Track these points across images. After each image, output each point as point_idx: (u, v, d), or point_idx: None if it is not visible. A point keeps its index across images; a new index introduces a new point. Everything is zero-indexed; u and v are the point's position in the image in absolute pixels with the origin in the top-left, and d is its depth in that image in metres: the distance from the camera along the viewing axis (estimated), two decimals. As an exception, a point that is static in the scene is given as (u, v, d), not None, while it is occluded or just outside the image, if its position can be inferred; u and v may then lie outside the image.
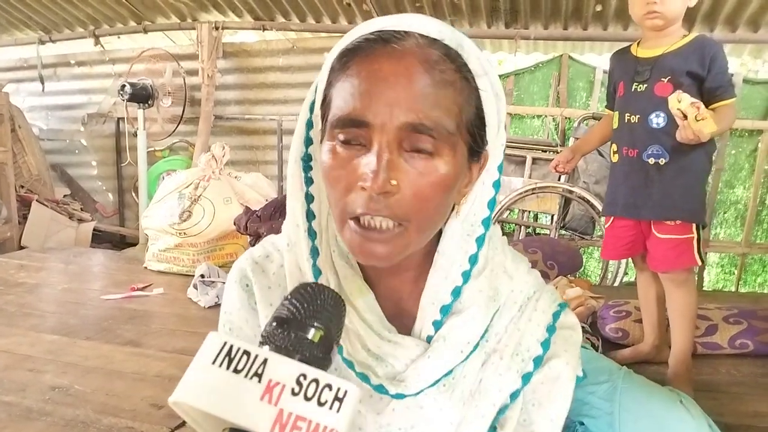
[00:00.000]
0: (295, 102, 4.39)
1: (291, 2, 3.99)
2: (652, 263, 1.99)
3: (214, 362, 0.46)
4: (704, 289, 3.83)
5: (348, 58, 0.64)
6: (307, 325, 0.52)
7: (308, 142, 0.72)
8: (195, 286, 2.97)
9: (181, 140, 4.73)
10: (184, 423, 1.74)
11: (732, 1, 3.28)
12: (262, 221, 2.96)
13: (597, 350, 2.05)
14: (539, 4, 3.57)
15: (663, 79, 1.84)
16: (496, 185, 0.73)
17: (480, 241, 0.72)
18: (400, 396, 0.70)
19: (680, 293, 1.94)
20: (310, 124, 0.72)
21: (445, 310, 0.71)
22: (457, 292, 0.71)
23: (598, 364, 1.46)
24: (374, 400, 0.71)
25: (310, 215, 0.74)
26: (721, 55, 1.83)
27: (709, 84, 1.81)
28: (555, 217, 3.72)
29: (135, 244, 4.59)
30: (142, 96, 4.28)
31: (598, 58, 3.96)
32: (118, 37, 4.71)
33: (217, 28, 4.26)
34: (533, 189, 3.67)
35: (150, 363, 2.21)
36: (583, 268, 3.83)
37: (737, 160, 3.73)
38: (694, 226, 1.89)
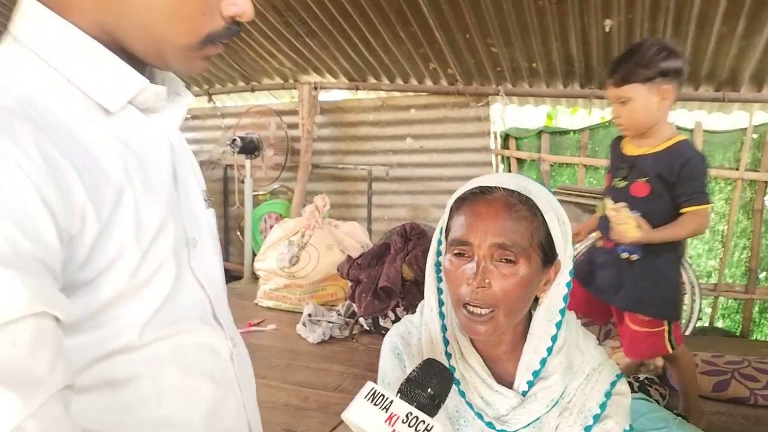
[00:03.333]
0: (382, 153, 4.83)
1: (382, 66, 4.45)
2: (626, 350, 2.13)
3: (365, 397, 0.82)
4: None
5: (460, 203, 1.02)
6: (424, 386, 0.87)
7: (439, 253, 1.09)
8: (304, 324, 3.42)
9: (281, 185, 5.27)
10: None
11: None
12: (361, 269, 3.38)
13: (665, 399, 2.32)
14: (612, 67, 3.86)
15: (640, 180, 1.92)
16: (568, 285, 1.06)
17: (558, 325, 1.06)
18: (503, 431, 1.06)
19: (673, 366, 2.15)
20: (440, 242, 1.09)
21: (536, 374, 1.05)
22: (543, 362, 1.05)
23: (658, 414, 1.78)
24: None
25: (440, 303, 1.11)
26: (693, 163, 1.88)
27: (677, 190, 1.89)
28: (628, 264, 3.94)
29: (238, 278, 5.13)
30: (249, 148, 4.85)
31: (671, 114, 4.17)
32: (228, 95, 5.34)
33: (315, 88, 4.78)
34: (607, 237, 3.92)
35: (277, 394, 2.65)
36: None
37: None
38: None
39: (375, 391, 0.82)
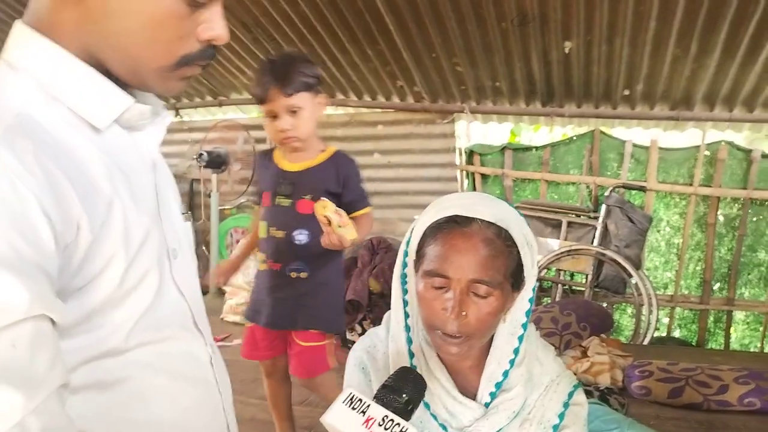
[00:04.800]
0: (351, 167, 4.88)
1: (350, 82, 4.52)
2: (296, 371, 2.08)
3: (343, 402, 0.86)
4: (731, 346, 4.12)
5: (436, 231, 1.01)
6: (399, 392, 0.91)
7: (404, 265, 1.11)
8: (271, 338, 3.41)
9: (248, 200, 5.26)
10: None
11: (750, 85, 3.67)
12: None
13: (623, 407, 2.40)
14: (572, 87, 4.00)
15: (305, 197, 1.91)
16: (531, 300, 1.09)
17: (520, 338, 1.09)
18: None
19: (324, 395, 2.07)
20: (405, 254, 1.11)
21: (498, 386, 1.09)
22: (506, 374, 1.09)
23: (611, 416, 1.88)
24: None
25: (406, 315, 1.13)
26: (353, 171, 1.99)
27: (345, 198, 1.93)
28: (589, 277, 4.07)
29: (204, 293, 5.08)
30: (216, 162, 4.83)
31: (628, 132, 4.34)
32: (196, 109, 5.33)
33: (283, 103, 4.80)
34: (568, 250, 4.04)
35: (243, 408, 2.64)
36: (615, 324, 4.15)
37: (758, 226, 4.06)
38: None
39: (353, 395, 0.86)
